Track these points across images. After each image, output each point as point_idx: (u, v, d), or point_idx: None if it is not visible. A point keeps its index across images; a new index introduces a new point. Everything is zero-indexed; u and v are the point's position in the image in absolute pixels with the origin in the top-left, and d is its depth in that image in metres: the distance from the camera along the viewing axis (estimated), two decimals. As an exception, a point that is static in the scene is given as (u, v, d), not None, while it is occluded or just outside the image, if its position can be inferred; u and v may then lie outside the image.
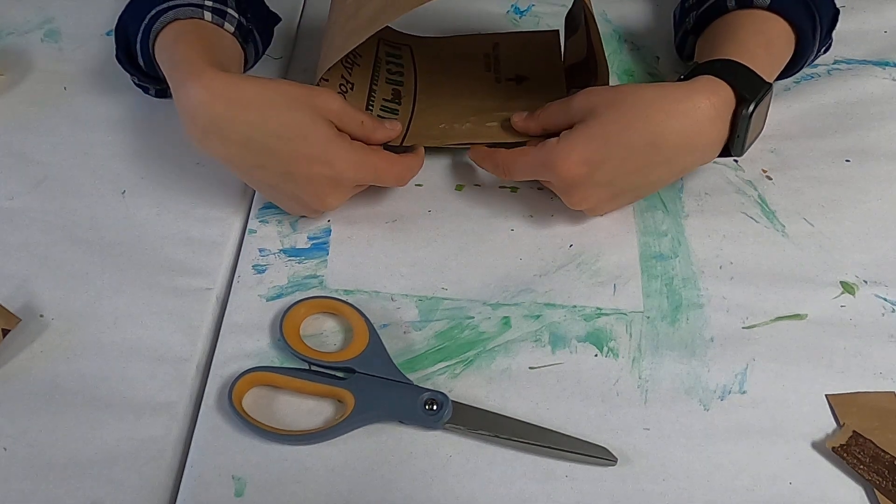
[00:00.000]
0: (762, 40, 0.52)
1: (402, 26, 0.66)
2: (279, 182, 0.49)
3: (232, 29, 0.54)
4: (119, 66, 0.57)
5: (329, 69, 0.51)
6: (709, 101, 0.47)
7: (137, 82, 0.59)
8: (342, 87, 0.56)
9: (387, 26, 0.60)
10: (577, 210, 0.53)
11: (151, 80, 0.57)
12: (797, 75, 0.63)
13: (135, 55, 0.55)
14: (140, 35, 0.53)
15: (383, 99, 0.59)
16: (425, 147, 0.55)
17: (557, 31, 0.64)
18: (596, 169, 0.49)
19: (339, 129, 0.49)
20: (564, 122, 0.51)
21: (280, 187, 0.50)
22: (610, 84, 0.57)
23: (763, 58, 0.51)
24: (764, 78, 0.49)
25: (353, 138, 0.50)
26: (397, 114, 0.58)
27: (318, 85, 0.53)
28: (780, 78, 0.58)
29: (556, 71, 0.61)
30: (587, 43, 0.58)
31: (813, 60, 0.60)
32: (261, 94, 0.47)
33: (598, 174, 0.49)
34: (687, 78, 0.49)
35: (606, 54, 0.55)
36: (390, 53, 0.62)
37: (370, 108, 0.58)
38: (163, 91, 0.60)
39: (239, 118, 0.46)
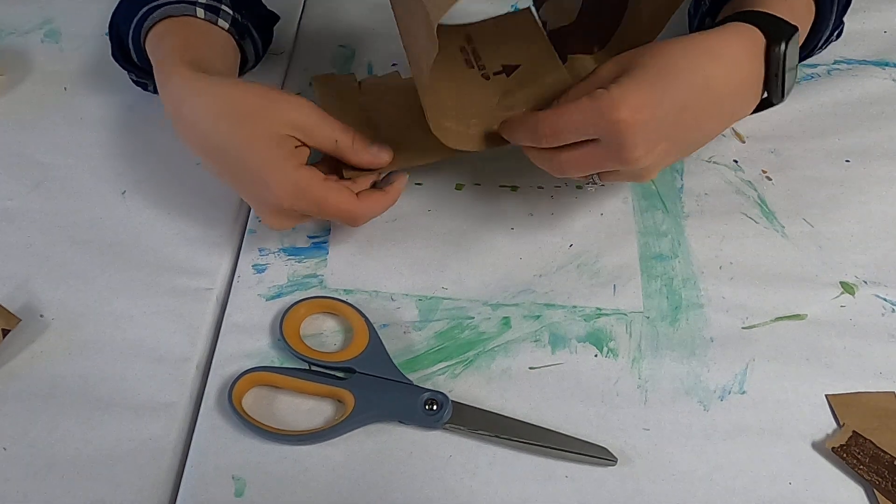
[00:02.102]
0: (785, 5, 0.50)
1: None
2: (236, 189, 0.49)
3: (226, 25, 0.54)
4: (117, 64, 0.57)
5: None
6: (743, 42, 0.46)
7: (136, 79, 0.59)
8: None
9: None
10: (632, 169, 0.45)
11: (149, 76, 0.57)
12: (797, 75, 0.63)
13: (129, 52, 0.55)
14: (132, 32, 0.53)
15: None
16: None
17: (528, 8, 0.57)
18: (655, 112, 0.43)
19: (304, 144, 0.47)
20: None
21: (240, 194, 0.49)
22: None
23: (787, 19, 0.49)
24: (790, 22, 0.47)
25: (327, 155, 0.48)
26: None
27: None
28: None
29: (544, 49, 0.55)
30: None
31: (825, 44, 0.58)
32: (214, 101, 0.46)
33: (658, 119, 0.43)
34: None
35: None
36: None
37: None
38: None
39: (197, 123, 0.46)
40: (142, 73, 0.57)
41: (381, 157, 0.49)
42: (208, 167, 0.49)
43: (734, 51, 0.46)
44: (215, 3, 0.54)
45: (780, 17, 0.48)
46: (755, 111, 0.49)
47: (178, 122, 0.47)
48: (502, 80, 0.53)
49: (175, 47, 0.50)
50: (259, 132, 0.45)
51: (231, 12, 0.55)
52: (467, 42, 0.56)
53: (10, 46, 0.66)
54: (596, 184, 0.52)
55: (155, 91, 0.60)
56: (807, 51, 0.57)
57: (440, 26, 0.51)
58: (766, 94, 0.49)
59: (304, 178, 0.46)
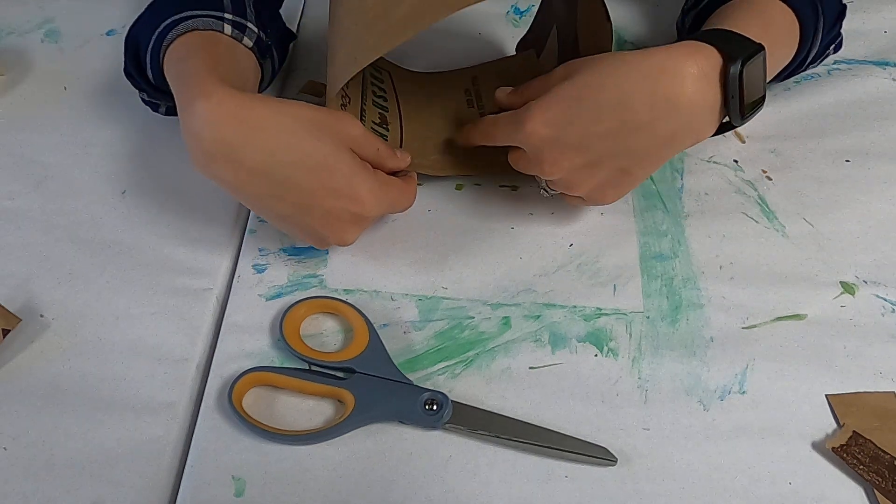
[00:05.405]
0: (759, 21, 0.50)
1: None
2: (294, 213, 0.46)
3: (250, 44, 0.52)
4: (129, 82, 0.54)
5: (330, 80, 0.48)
6: (691, 60, 0.44)
7: (147, 99, 0.56)
8: (343, 99, 0.52)
9: None
10: (557, 185, 0.50)
11: (162, 96, 0.55)
12: (797, 75, 0.63)
13: (144, 67, 0.52)
14: (151, 44, 0.50)
15: (372, 122, 0.54)
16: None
17: (531, 51, 0.62)
18: (562, 130, 0.46)
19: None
20: (544, 92, 0.48)
21: (294, 219, 0.47)
22: None
23: (759, 36, 0.47)
24: (755, 41, 0.46)
25: None
26: (387, 140, 0.55)
27: (335, 95, 0.49)
28: (785, 76, 0.58)
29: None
30: (559, 52, 0.57)
31: (820, 57, 0.58)
32: (279, 118, 0.43)
33: (565, 136, 0.46)
34: None
35: None
36: (374, 75, 0.59)
37: None
38: (174, 108, 0.57)
39: (253, 143, 0.43)
40: (155, 92, 0.55)
41: (405, 160, 0.51)
42: (253, 193, 0.45)
43: (680, 73, 0.44)
44: (241, 21, 0.52)
45: (746, 35, 0.46)
46: (717, 133, 0.48)
47: (213, 146, 0.43)
48: None
49: (205, 63, 0.46)
50: (338, 143, 0.45)
51: (256, 31, 0.53)
52: (472, 84, 0.62)
53: (10, 46, 0.66)
54: (547, 192, 0.53)
55: (167, 113, 0.57)
56: (795, 65, 0.57)
57: (447, 71, 0.63)
58: (727, 118, 0.48)
59: (383, 181, 0.48)
